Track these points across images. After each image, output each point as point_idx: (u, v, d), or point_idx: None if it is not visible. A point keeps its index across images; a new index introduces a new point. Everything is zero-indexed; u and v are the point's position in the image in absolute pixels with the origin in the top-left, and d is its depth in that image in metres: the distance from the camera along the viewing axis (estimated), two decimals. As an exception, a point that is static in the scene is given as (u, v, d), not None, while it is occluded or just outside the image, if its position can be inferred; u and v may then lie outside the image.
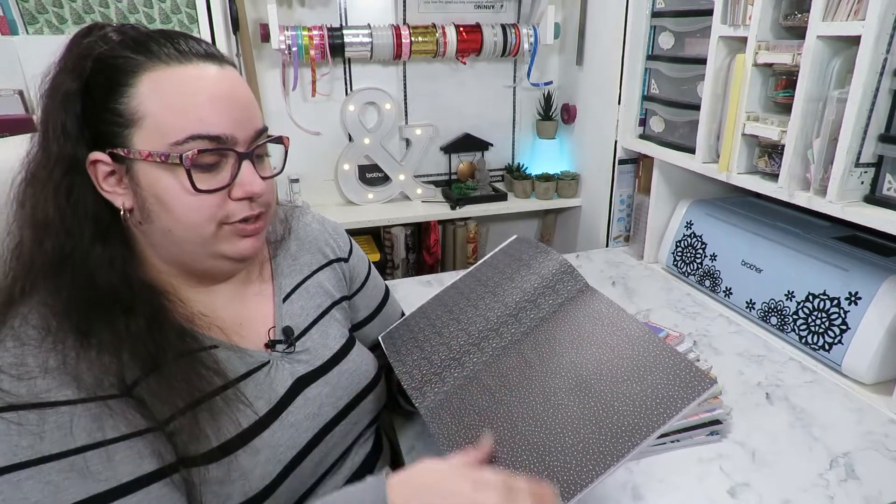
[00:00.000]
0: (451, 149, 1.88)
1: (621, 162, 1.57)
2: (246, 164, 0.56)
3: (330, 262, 0.76)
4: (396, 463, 0.81)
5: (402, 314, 0.88)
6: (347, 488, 0.54)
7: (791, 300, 1.06)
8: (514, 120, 1.93)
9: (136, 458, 0.50)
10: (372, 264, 0.86)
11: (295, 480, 0.61)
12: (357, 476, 0.70)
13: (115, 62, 0.53)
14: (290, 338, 0.66)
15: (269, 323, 0.66)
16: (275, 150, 0.65)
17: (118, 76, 0.52)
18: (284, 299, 0.69)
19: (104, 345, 0.51)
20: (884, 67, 0.83)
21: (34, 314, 0.51)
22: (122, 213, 0.55)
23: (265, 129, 0.60)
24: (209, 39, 1.38)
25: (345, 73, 1.71)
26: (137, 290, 0.55)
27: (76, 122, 0.53)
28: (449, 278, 1.07)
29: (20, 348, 0.49)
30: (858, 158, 0.89)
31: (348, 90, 1.73)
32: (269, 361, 0.63)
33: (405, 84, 1.78)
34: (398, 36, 1.61)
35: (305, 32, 1.54)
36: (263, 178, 0.58)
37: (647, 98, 1.45)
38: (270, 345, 0.64)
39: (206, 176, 0.54)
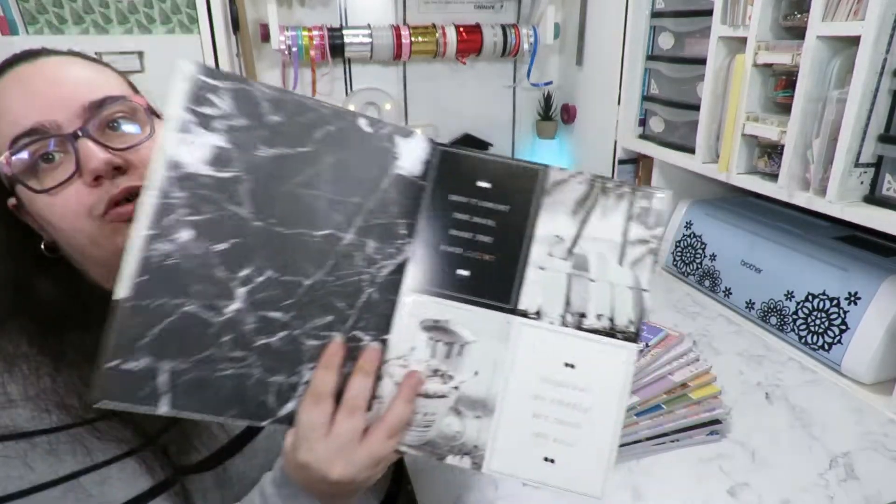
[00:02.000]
0: (451, 149, 1.88)
1: (621, 162, 1.57)
2: (82, 143, 0.48)
3: None
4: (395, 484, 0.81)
5: None
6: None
7: (791, 300, 1.06)
8: (513, 120, 1.93)
9: (130, 477, 0.49)
10: None
11: None
12: None
13: None
14: None
15: None
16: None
17: None
18: None
19: (77, 365, 0.49)
20: (884, 67, 0.83)
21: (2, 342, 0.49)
22: (41, 245, 0.53)
23: (107, 98, 0.51)
24: (209, 39, 1.39)
25: (345, 74, 1.71)
26: (88, 302, 0.52)
27: None
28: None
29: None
30: (858, 158, 0.89)
31: (348, 90, 1.73)
32: None
33: (405, 84, 1.78)
34: (398, 36, 1.61)
35: (305, 32, 1.54)
36: (117, 149, 0.49)
37: (647, 98, 1.45)
38: None
39: (51, 175, 0.49)
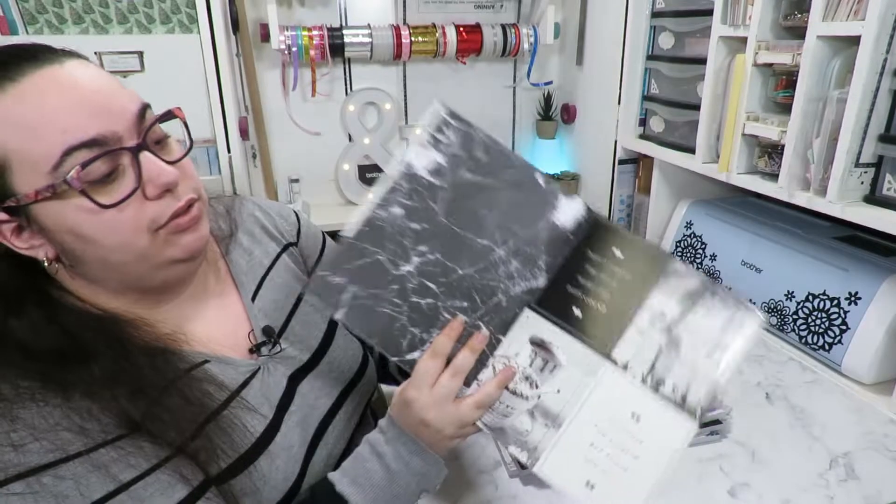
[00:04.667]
0: (451, 149, 1.88)
1: (621, 162, 1.57)
2: (145, 157, 0.49)
3: (285, 248, 0.73)
4: None
5: None
6: (370, 436, 0.58)
7: (791, 300, 1.06)
8: (513, 120, 1.93)
9: (166, 489, 0.48)
10: (326, 235, 0.81)
11: (311, 476, 0.61)
12: None
13: None
14: (272, 337, 0.63)
15: (245, 326, 0.63)
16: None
17: None
18: (253, 298, 0.65)
19: (87, 393, 0.48)
20: (884, 67, 0.83)
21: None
22: (46, 265, 0.50)
23: (146, 105, 0.51)
24: (209, 39, 1.39)
25: (345, 73, 1.71)
26: (81, 333, 0.50)
27: None
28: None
29: (8, 417, 0.45)
30: (858, 158, 0.89)
31: (348, 90, 1.73)
32: (259, 368, 0.61)
33: (405, 84, 1.78)
34: (398, 36, 1.61)
35: (305, 32, 1.54)
36: (172, 163, 0.51)
37: (647, 98, 1.45)
38: (255, 350, 0.62)
39: (107, 188, 0.48)
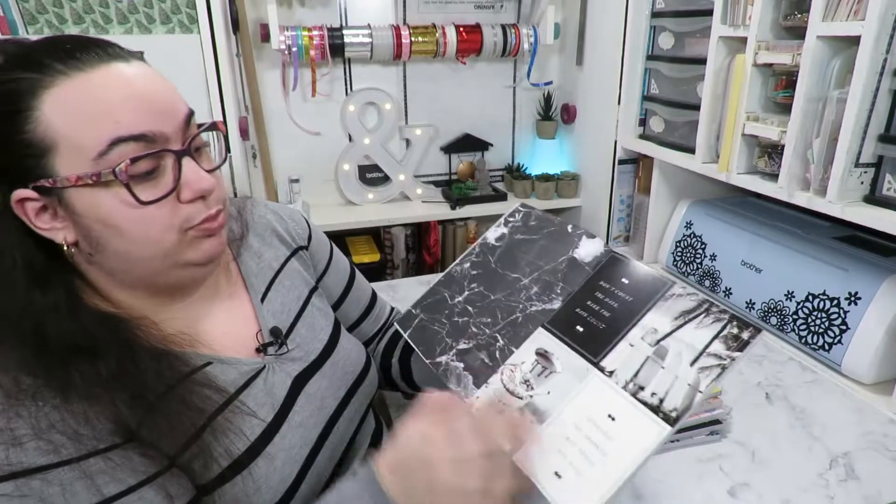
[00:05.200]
0: (451, 149, 1.88)
1: (621, 162, 1.57)
2: (187, 162, 0.51)
3: (295, 251, 0.74)
4: None
5: (373, 291, 0.87)
6: (340, 486, 0.53)
7: (791, 300, 1.06)
8: (514, 120, 1.94)
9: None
10: (332, 242, 0.83)
11: (313, 477, 0.61)
12: (368, 457, 0.71)
13: (7, 87, 0.46)
14: (279, 338, 0.64)
15: (253, 326, 0.64)
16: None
17: (15, 102, 0.46)
18: (262, 299, 0.66)
19: (86, 395, 0.47)
20: (884, 67, 0.83)
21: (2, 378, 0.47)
22: (65, 249, 0.50)
23: (192, 112, 0.54)
24: (209, 39, 1.39)
25: (345, 73, 1.71)
26: (96, 329, 0.50)
27: None
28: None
29: (5, 415, 0.45)
30: (858, 158, 0.89)
31: (348, 90, 1.73)
32: (264, 367, 0.62)
33: (405, 84, 1.78)
34: (398, 36, 1.61)
35: (305, 32, 1.54)
36: (209, 171, 0.54)
37: (647, 98, 1.45)
38: (262, 349, 0.62)
39: (147, 185, 0.49)
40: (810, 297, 1.02)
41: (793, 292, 1.06)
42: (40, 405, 0.46)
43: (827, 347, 0.98)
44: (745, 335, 0.54)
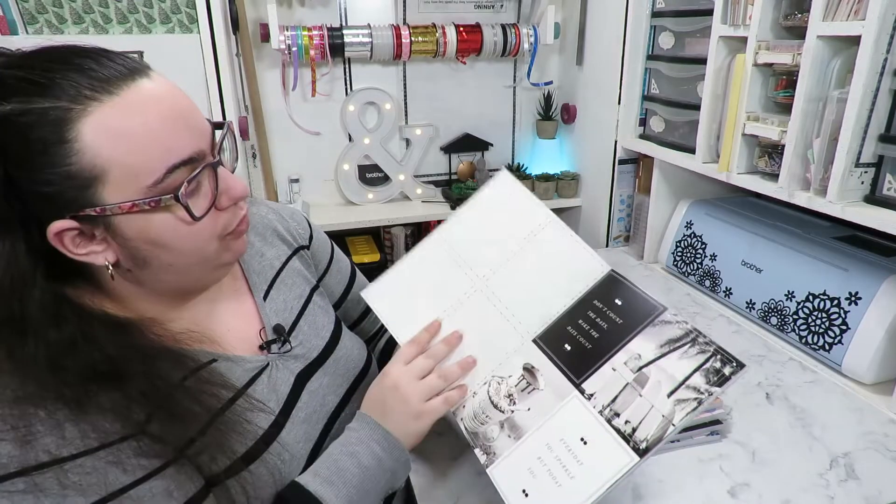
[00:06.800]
0: (451, 149, 1.88)
1: (621, 162, 1.57)
2: (220, 171, 0.54)
3: (296, 251, 0.75)
4: None
5: None
6: (340, 439, 0.61)
7: (791, 300, 1.06)
8: (514, 120, 1.93)
9: (163, 495, 0.48)
10: (332, 241, 0.84)
11: None
12: None
13: (33, 119, 0.43)
14: (282, 336, 0.65)
15: (256, 324, 0.65)
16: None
17: (46, 134, 0.44)
18: (265, 297, 0.67)
19: (101, 410, 0.47)
20: (884, 67, 0.83)
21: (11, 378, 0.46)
22: (107, 270, 0.50)
23: (213, 125, 0.56)
24: (209, 39, 1.39)
25: (345, 73, 1.71)
26: (114, 349, 0.49)
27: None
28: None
29: (9, 411, 0.45)
30: (858, 158, 0.89)
31: (348, 90, 1.73)
32: (268, 364, 0.62)
33: (405, 84, 1.78)
34: (398, 36, 1.61)
35: (305, 32, 1.54)
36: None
37: (647, 98, 1.45)
38: (265, 346, 0.63)
39: (194, 200, 0.51)
40: (810, 297, 1.02)
41: (793, 292, 1.06)
42: (51, 404, 0.46)
43: (827, 347, 0.98)
44: (727, 370, 0.54)
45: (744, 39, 1.05)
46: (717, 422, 0.81)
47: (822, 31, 0.89)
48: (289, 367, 0.64)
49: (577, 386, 0.60)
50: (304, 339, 0.67)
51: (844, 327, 0.96)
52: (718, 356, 0.56)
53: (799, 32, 0.96)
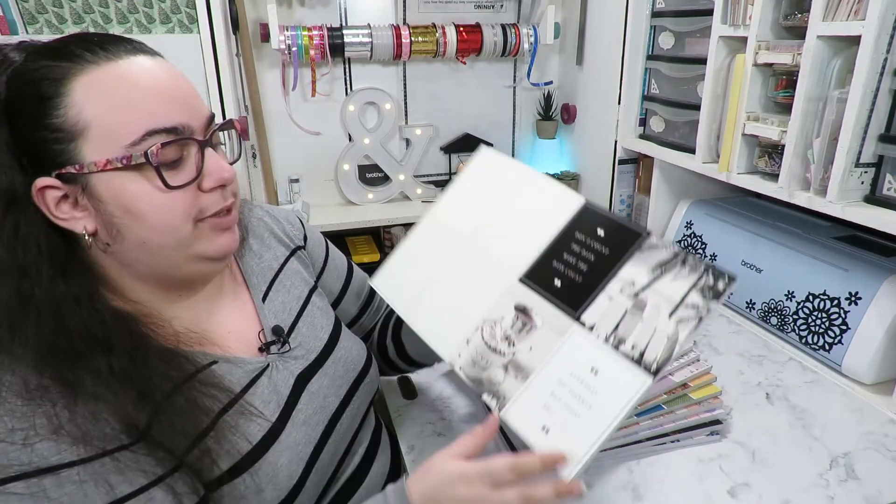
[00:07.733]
0: (451, 149, 1.88)
1: (621, 162, 1.57)
2: (209, 152, 0.54)
3: (294, 252, 0.75)
4: (394, 453, 0.82)
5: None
6: (370, 501, 0.56)
7: (791, 300, 1.06)
8: (514, 120, 1.93)
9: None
10: (327, 239, 0.84)
11: (317, 473, 0.62)
12: (369, 454, 0.72)
13: (37, 74, 0.47)
14: (281, 337, 0.65)
15: (255, 326, 0.65)
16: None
17: (45, 88, 0.47)
18: (263, 298, 0.67)
19: (94, 394, 0.47)
20: (884, 67, 0.83)
21: (10, 374, 0.46)
22: (85, 238, 0.51)
23: (213, 115, 0.57)
24: (209, 39, 1.39)
25: (345, 73, 1.71)
26: (112, 324, 0.50)
27: (6, 152, 0.48)
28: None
29: (10, 414, 0.45)
30: (858, 158, 0.89)
31: (348, 90, 1.73)
32: (268, 365, 0.62)
33: (405, 84, 1.78)
34: (398, 36, 1.61)
35: (305, 32, 1.54)
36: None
37: (647, 98, 1.45)
38: (264, 348, 0.63)
39: (172, 172, 0.51)
40: (810, 297, 1.02)
41: (793, 292, 1.06)
42: (50, 405, 0.46)
43: (827, 347, 0.98)
44: (720, 285, 0.55)
45: (744, 39, 1.05)
46: (717, 422, 0.81)
47: (822, 31, 0.89)
48: (289, 369, 0.64)
49: (577, 319, 0.60)
50: (303, 340, 0.67)
51: (844, 327, 0.96)
52: (710, 272, 0.56)
53: (799, 32, 0.96)
